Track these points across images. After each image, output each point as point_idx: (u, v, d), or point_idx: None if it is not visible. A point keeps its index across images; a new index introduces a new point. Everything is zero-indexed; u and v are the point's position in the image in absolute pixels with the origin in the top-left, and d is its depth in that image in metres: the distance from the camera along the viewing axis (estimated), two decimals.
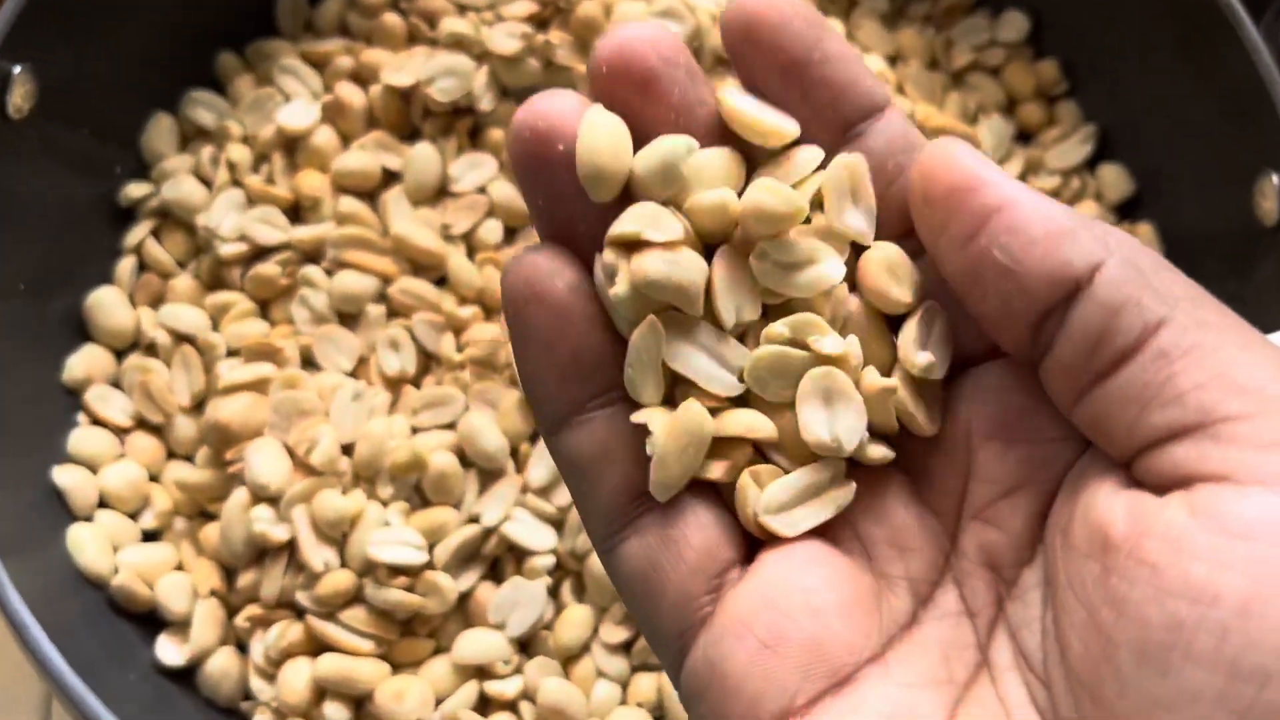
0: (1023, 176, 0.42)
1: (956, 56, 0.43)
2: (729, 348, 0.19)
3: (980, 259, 0.18)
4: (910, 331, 0.19)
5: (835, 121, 0.19)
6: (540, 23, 0.41)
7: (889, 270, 0.19)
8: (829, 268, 0.19)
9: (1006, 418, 0.19)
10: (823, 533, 0.19)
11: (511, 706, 0.34)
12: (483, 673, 0.35)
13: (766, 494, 0.19)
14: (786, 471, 0.19)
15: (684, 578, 0.19)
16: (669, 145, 0.19)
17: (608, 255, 0.19)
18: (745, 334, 0.20)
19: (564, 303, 0.19)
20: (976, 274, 0.18)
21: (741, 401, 0.20)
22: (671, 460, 0.19)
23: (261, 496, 0.34)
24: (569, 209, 0.19)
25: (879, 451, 0.20)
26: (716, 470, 0.19)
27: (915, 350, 0.19)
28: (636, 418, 0.19)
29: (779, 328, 0.19)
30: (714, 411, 0.19)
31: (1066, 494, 0.18)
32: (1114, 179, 0.42)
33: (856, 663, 0.18)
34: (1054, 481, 0.19)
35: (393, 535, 0.34)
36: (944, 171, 0.18)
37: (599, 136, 0.19)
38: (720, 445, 0.19)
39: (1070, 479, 0.19)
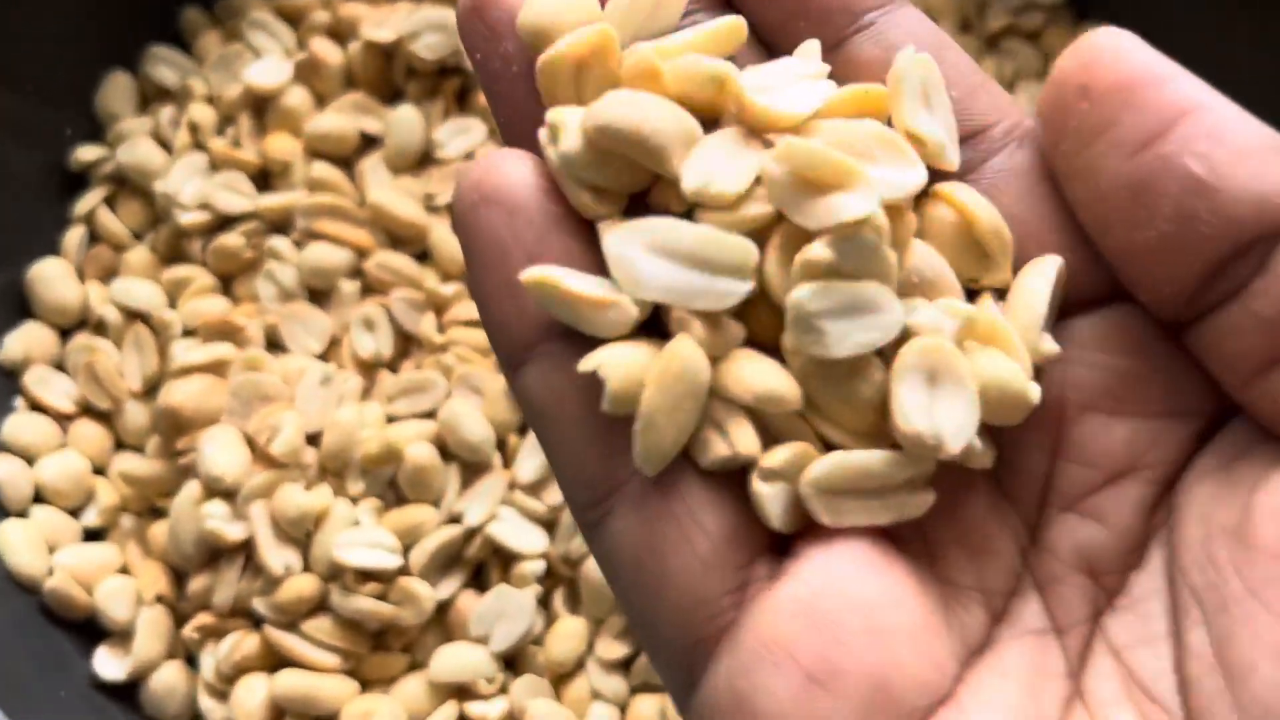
0: None
1: (991, 20, 0.40)
2: (726, 239, 0.15)
3: (1160, 169, 0.14)
4: (1036, 305, 0.15)
5: (834, 6, 0.16)
6: None
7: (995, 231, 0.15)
8: (856, 200, 0.15)
9: (1111, 384, 0.15)
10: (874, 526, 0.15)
11: None
12: (463, 692, 0.31)
13: (815, 466, 0.15)
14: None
15: (695, 571, 0.15)
16: None
17: (551, 113, 0.15)
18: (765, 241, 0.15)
19: (519, 200, 0.15)
20: (1147, 189, 0.14)
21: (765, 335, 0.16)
22: (661, 420, 0.15)
23: (215, 490, 0.30)
24: (517, 90, 0.16)
25: (984, 456, 0.16)
26: (727, 445, 0.15)
27: (1042, 334, 0.15)
28: (584, 364, 0.15)
29: (821, 250, 0.15)
30: (715, 361, 0.15)
31: (1219, 482, 0.14)
32: None
33: (929, 705, 0.14)
34: (1172, 465, 0.15)
35: (363, 536, 0.30)
36: (1112, 62, 0.14)
37: None
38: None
39: (1214, 463, 0.15)
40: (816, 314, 0.15)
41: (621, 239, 0.15)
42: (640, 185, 0.16)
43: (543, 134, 0.16)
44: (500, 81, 0.16)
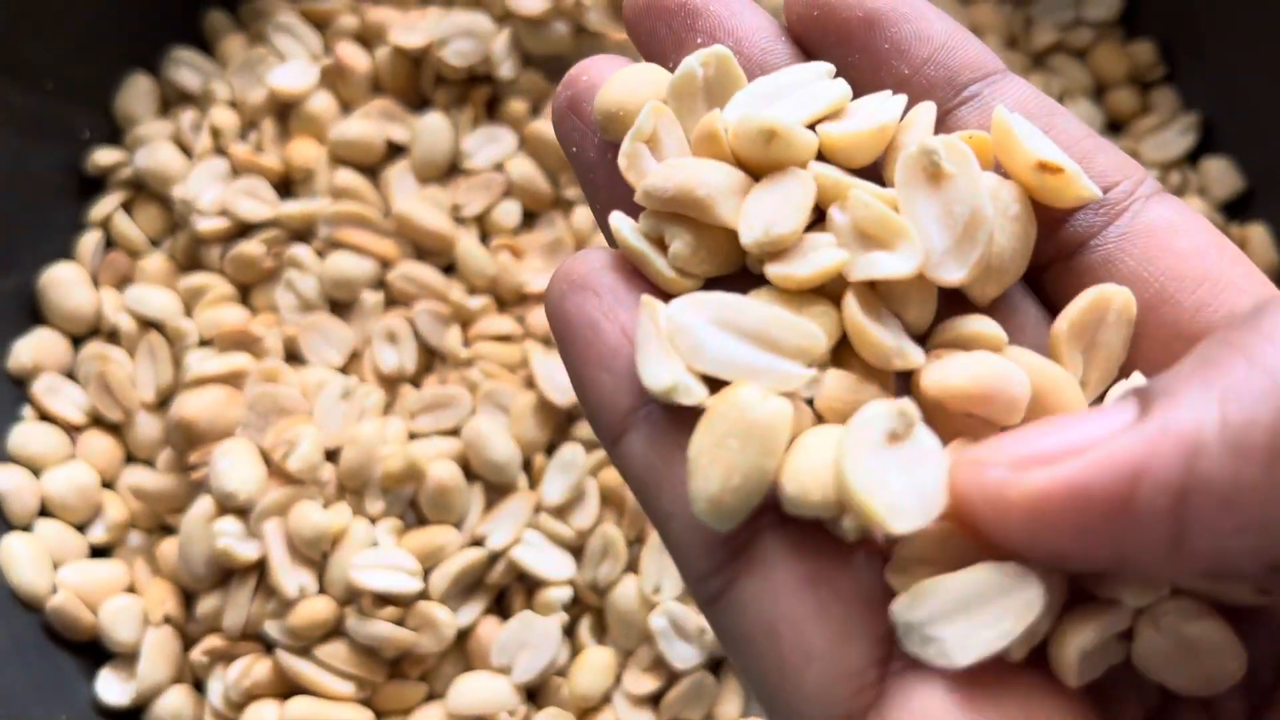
0: None
1: (1038, 36, 0.39)
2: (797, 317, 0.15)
3: None
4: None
5: (936, 80, 0.17)
6: None
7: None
8: (903, 257, 0.15)
9: None
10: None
11: None
12: None
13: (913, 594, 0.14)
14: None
15: (837, 640, 0.14)
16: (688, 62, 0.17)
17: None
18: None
19: (606, 284, 0.16)
20: None
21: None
22: (712, 468, 0.14)
23: (228, 507, 0.29)
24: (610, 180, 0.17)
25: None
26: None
27: None
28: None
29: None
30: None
31: None
32: (1220, 174, 0.37)
33: None
34: None
35: (381, 558, 0.29)
36: None
37: (621, 77, 0.17)
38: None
39: None
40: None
41: (684, 309, 0.15)
42: (724, 265, 0.16)
43: (616, 217, 0.17)
44: (595, 171, 0.17)
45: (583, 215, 0.35)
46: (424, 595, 0.29)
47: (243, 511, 0.29)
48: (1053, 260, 0.17)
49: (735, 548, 0.15)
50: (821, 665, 0.14)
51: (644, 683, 0.29)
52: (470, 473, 0.31)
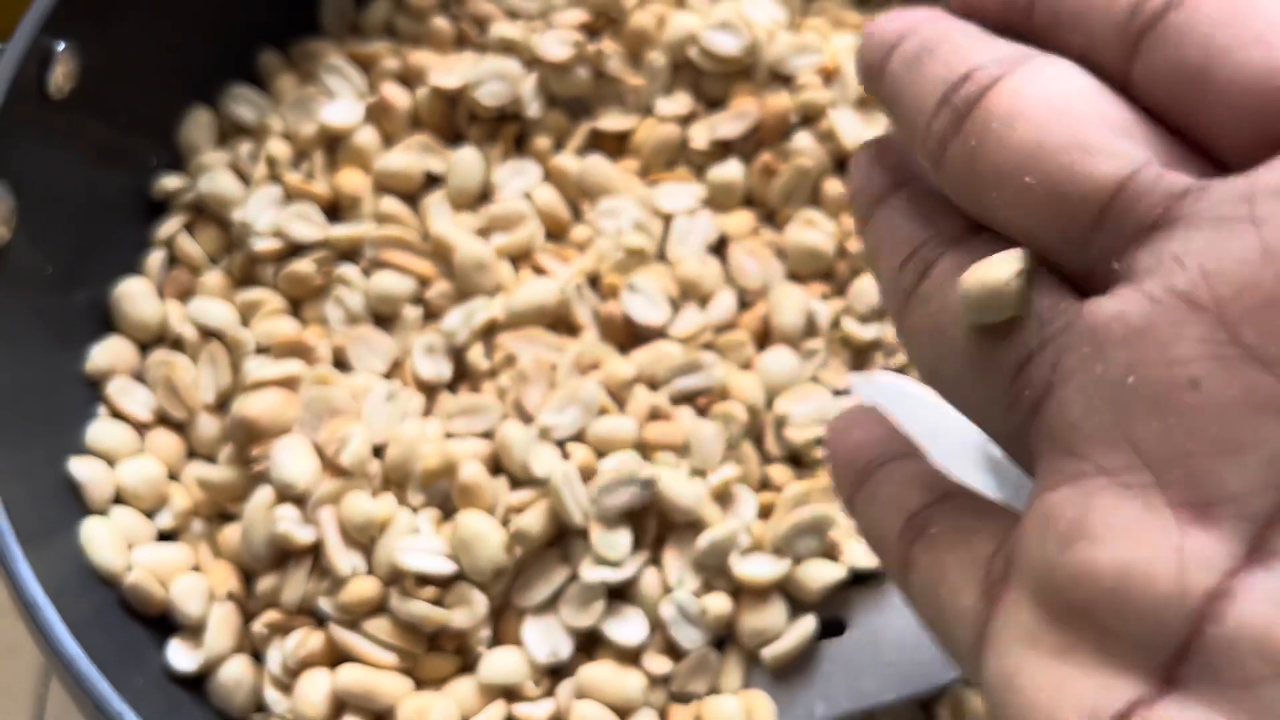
0: None
1: None
2: None
3: None
4: None
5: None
6: (592, 32, 0.40)
7: None
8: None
9: None
10: None
11: None
12: (510, 694, 0.33)
13: None
14: None
15: None
16: None
17: None
18: None
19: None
20: None
21: None
22: None
23: (287, 496, 0.33)
24: None
25: None
26: None
27: None
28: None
29: None
30: None
31: None
32: None
33: None
34: None
35: (422, 543, 0.32)
36: None
37: None
38: None
39: None
40: None
41: None
42: None
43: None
44: None
45: (581, 231, 0.38)
46: (460, 577, 0.33)
47: (300, 500, 0.33)
48: None
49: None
50: None
51: (660, 664, 0.33)
52: (501, 469, 0.34)
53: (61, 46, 0.34)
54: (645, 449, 0.34)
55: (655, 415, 0.35)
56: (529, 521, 0.33)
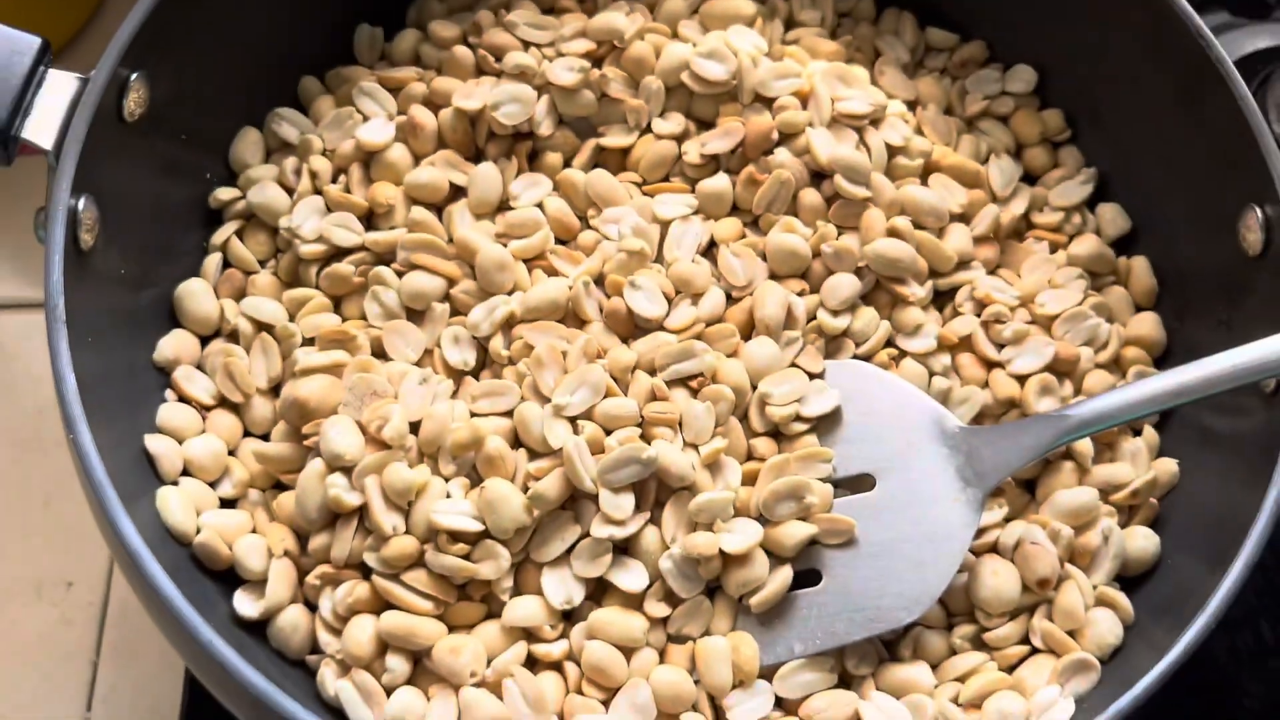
0: (1028, 213, 0.46)
1: (970, 104, 0.48)
2: None
3: None
4: None
5: None
6: (596, 60, 0.45)
7: None
8: None
9: None
10: None
11: (557, 667, 0.37)
12: (530, 635, 0.38)
13: None
14: None
15: None
16: None
17: None
18: None
19: None
20: None
21: None
22: None
23: (336, 465, 0.38)
24: None
25: None
26: None
27: None
28: None
29: None
30: None
31: None
32: (1111, 216, 0.46)
33: None
34: None
35: (453, 505, 0.37)
36: None
37: None
38: None
39: None
40: None
41: None
42: None
43: None
44: None
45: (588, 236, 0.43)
46: (486, 534, 0.38)
47: (347, 469, 0.38)
48: None
49: None
50: None
51: (659, 609, 0.38)
52: (520, 443, 0.39)
53: (134, 76, 0.39)
54: (645, 425, 0.39)
55: (654, 396, 0.40)
56: (545, 486, 0.38)
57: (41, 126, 0.36)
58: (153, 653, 0.51)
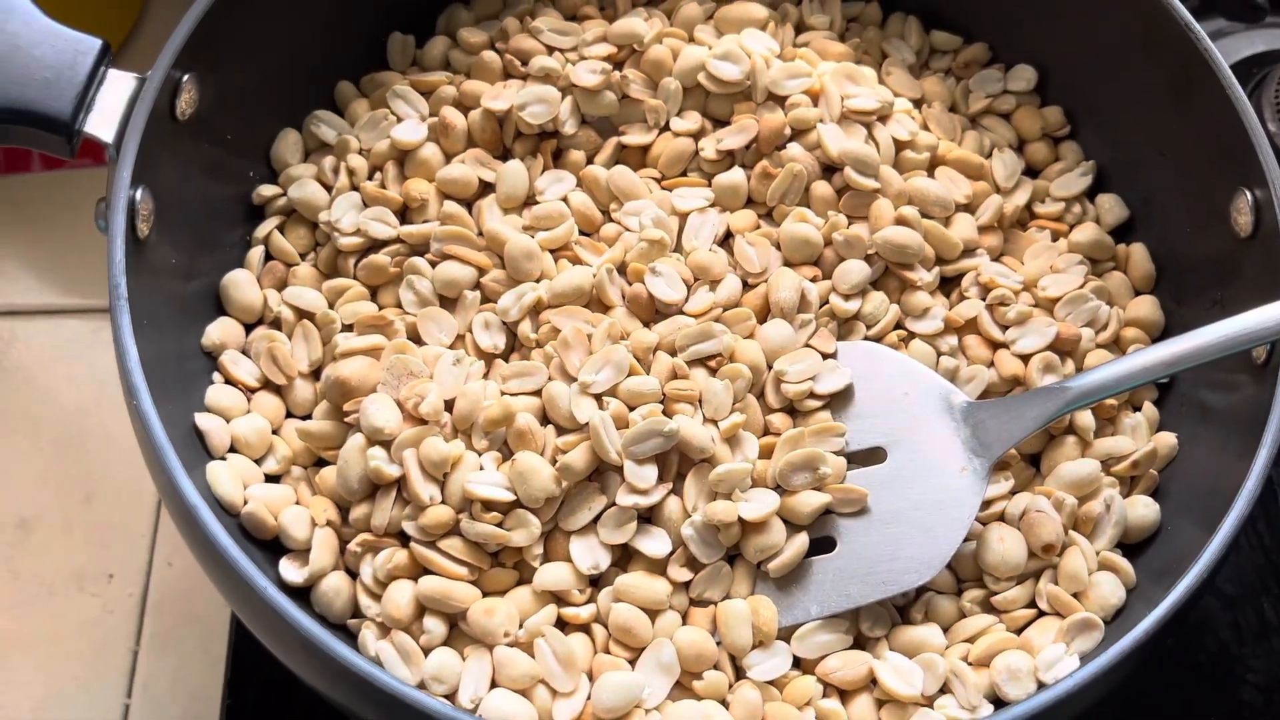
0: (1030, 204, 0.48)
1: (973, 102, 0.50)
2: None
3: None
4: None
5: None
6: (617, 63, 0.47)
7: None
8: None
9: None
10: None
11: (585, 629, 0.39)
12: (559, 599, 0.40)
13: None
14: None
15: None
16: None
17: None
18: None
19: None
20: None
21: None
22: None
23: (376, 440, 0.40)
24: None
25: None
26: None
27: None
28: None
29: None
30: None
31: None
32: (1110, 206, 0.48)
33: None
34: None
35: (486, 477, 0.40)
36: None
37: None
38: None
39: None
40: None
41: None
42: None
43: None
44: None
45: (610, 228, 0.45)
46: (517, 504, 0.40)
47: (387, 443, 0.40)
48: None
49: None
50: None
51: (682, 574, 0.40)
52: (548, 420, 0.41)
53: (186, 77, 0.42)
54: (667, 401, 0.41)
55: (674, 375, 0.42)
56: (573, 458, 0.40)
57: (103, 121, 0.39)
58: (191, 642, 0.53)
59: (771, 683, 0.39)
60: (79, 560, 0.55)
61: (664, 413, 0.41)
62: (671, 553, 0.40)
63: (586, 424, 0.40)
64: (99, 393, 0.58)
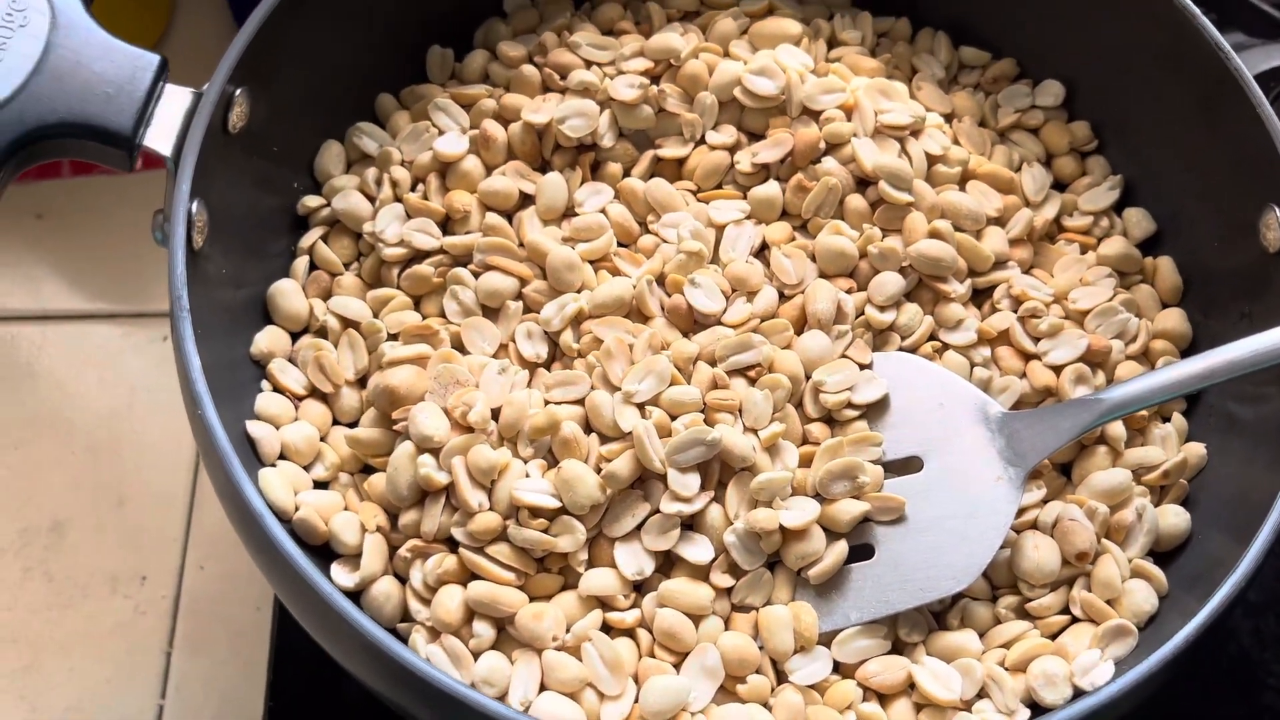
0: (1059, 217, 0.49)
1: (1002, 117, 0.51)
2: None
3: None
4: None
5: None
6: (654, 77, 0.48)
7: None
8: None
9: None
10: None
11: (630, 633, 0.40)
12: (605, 604, 0.40)
13: None
14: None
15: None
16: None
17: None
18: None
19: None
20: None
21: None
22: None
23: (425, 447, 0.41)
24: None
25: None
26: None
27: None
28: None
29: None
30: None
31: None
32: (1138, 219, 0.49)
33: None
34: None
35: (532, 484, 0.40)
36: None
37: None
38: None
39: None
40: None
41: None
42: None
43: None
44: None
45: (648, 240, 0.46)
46: (563, 511, 0.41)
47: (435, 451, 0.41)
48: None
49: None
50: None
51: (725, 580, 0.41)
52: (591, 428, 0.42)
53: (238, 92, 0.42)
54: (708, 411, 0.42)
55: (715, 385, 0.43)
56: (618, 466, 0.41)
57: (161, 135, 0.40)
58: (223, 644, 0.54)
59: (813, 687, 0.40)
60: (112, 563, 0.56)
61: (705, 422, 0.42)
62: (714, 559, 0.41)
63: (630, 433, 0.41)
64: (130, 397, 0.59)
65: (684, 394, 0.42)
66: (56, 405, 0.59)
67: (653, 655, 0.40)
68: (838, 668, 0.41)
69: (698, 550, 0.41)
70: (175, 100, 0.40)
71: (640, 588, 0.41)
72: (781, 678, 0.40)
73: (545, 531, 0.40)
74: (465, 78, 0.50)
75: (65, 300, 0.61)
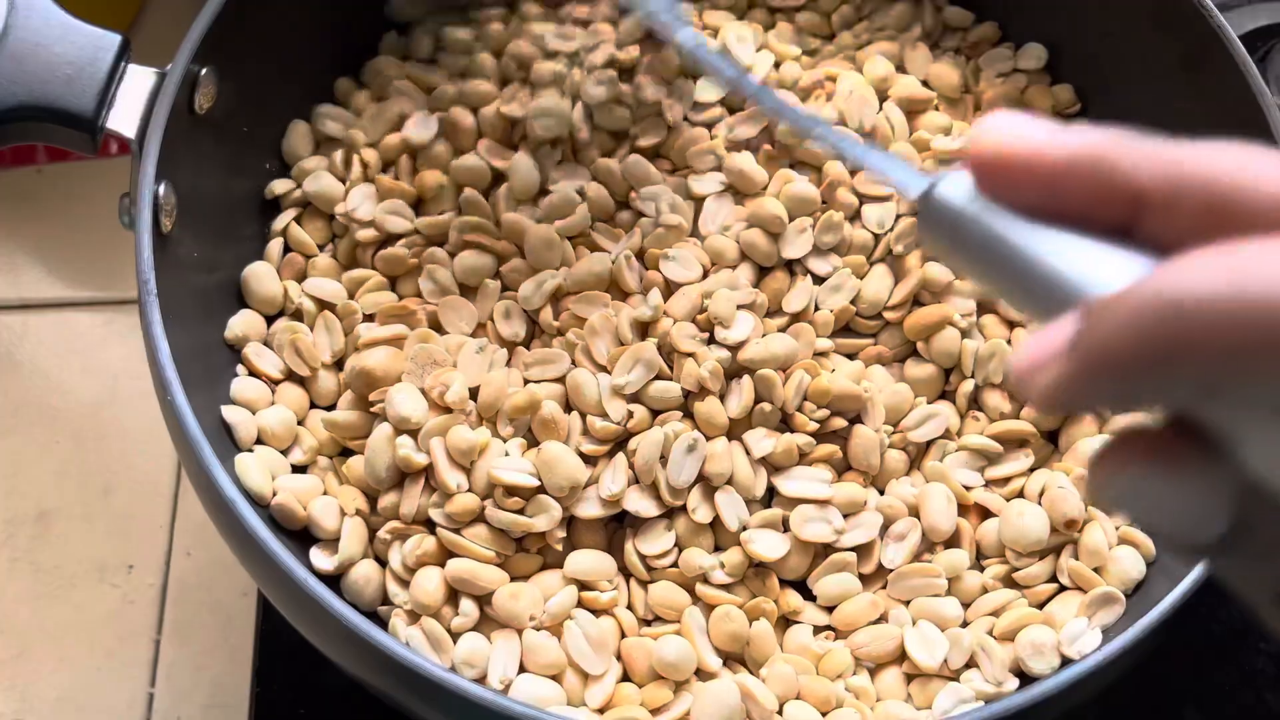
0: None
1: (984, 81, 0.50)
2: None
3: None
4: None
5: None
6: (627, 68, 0.47)
7: None
8: None
9: None
10: None
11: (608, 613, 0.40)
12: (584, 585, 0.40)
13: None
14: None
15: None
16: None
17: None
18: None
19: None
20: None
21: None
22: None
23: (403, 429, 0.40)
24: None
25: None
26: None
27: None
28: None
29: None
30: None
31: None
32: None
33: None
34: None
35: (511, 464, 0.40)
36: None
37: None
38: None
39: None
40: None
41: None
42: None
43: None
44: None
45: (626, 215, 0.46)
46: (541, 490, 0.40)
47: (414, 432, 0.40)
48: None
49: None
50: None
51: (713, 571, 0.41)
52: (572, 407, 0.42)
53: (204, 71, 0.42)
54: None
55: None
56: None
57: (125, 117, 0.39)
58: (212, 630, 0.54)
59: (806, 656, 0.40)
60: (99, 552, 0.55)
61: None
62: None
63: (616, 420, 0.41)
64: (113, 385, 0.58)
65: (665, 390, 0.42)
66: (40, 394, 0.58)
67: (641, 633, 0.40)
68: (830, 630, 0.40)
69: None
70: (139, 81, 0.40)
71: (626, 572, 0.41)
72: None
73: (521, 512, 0.40)
74: (414, 54, 0.49)
75: (46, 288, 0.60)
